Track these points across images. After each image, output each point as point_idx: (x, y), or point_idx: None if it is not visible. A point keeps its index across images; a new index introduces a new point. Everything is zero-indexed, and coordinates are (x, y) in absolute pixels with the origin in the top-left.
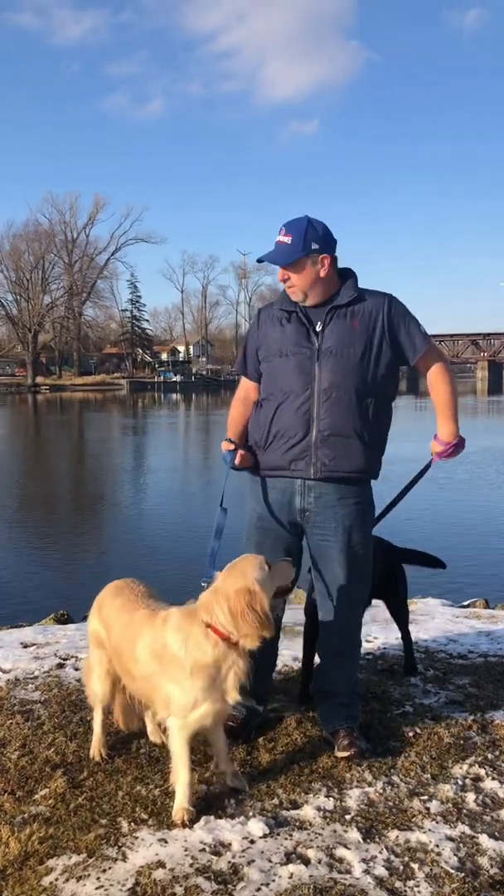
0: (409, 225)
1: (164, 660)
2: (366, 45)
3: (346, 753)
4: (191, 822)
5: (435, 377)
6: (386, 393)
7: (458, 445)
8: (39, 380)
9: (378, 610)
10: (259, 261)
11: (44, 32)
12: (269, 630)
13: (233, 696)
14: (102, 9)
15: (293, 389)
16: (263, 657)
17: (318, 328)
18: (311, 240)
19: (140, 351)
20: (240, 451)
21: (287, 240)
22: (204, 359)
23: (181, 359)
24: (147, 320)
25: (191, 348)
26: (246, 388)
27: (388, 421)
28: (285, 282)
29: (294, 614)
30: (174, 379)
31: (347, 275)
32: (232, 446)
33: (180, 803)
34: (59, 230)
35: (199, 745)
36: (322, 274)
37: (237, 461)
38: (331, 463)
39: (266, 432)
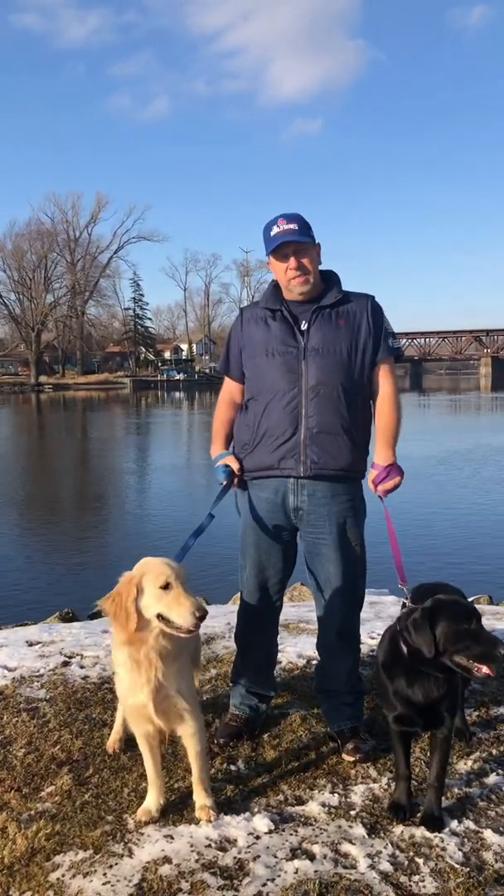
0: (413, 222)
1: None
2: (370, 44)
3: (352, 758)
4: (144, 824)
5: (387, 396)
6: (371, 391)
7: (390, 469)
8: (43, 379)
9: (381, 606)
10: (276, 248)
11: (49, 34)
12: (121, 624)
13: (146, 694)
14: (106, 9)
15: (280, 388)
16: (261, 654)
17: (303, 327)
18: (310, 228)
19: (143, 349)
20: (236, 473)
21: (293, 227)
22: (207, 357)
23: (184, 357)
24: (150, 319)
25: (194, 346)
26: (230, 390)
27: (372, 418)
28: (298, 269)
29: (298, 611)
30: (177, 377)
31: (331, 277)
32: (234, 463)
33: (144, 803)
34: (62, 229)
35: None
36: (319, 263)
37: (234, 483)
38: (320, 460)
39: (254, 432)
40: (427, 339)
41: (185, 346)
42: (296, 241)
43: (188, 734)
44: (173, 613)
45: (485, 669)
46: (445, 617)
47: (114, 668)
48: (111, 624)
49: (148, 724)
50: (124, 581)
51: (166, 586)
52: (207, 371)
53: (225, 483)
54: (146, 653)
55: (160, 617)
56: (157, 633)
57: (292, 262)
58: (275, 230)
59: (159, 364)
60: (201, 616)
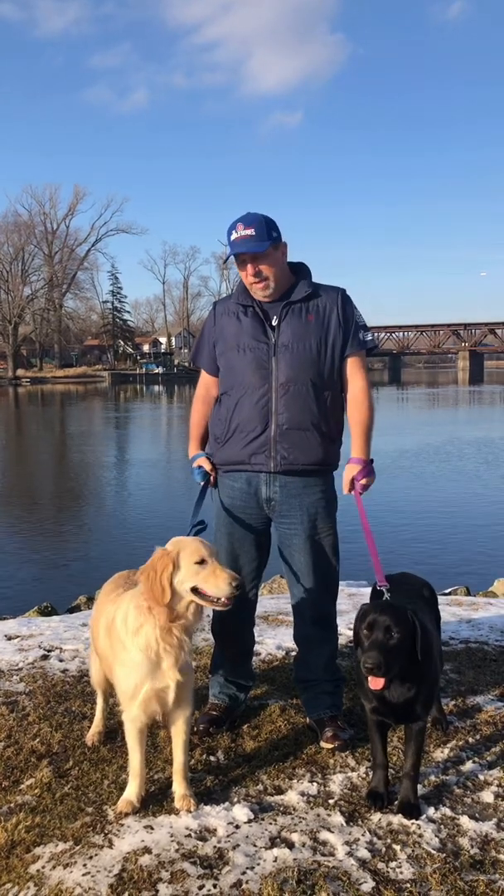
0: (391, 216)
1: (112, 635)
2: (350, 37)
3: (330, 745)
4: (125, 815)
5: (359, 392)
6: (342, 385)
7: (370, 466)
8: (20, 372)
9: (361, 598)
10: (227, 259)
11: (26, 23)
12: (156, 598)
13: (171, 676)
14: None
15: (251, 384)
16: (238, 644)
17: (273, 322)
18: (271, 229)
19: (122, 343)
20: (212, 474)
21: (250, 232)
22: (186, 350)
23: (163, 350)
24: (129, 312)
25: (172, 340)
26: (206, 384)
27: (343, 412)
28: (255, 276)
29: (277, 602)
30: (156, 370)
31: (301, 270)
32: (206, 465)
33: (125, 794)
34: (39, 221)
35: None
36: (284, 262)
37: (211, 482)
38: (290, 456)
39: (226, 426)
40: (405, 333)
41: (163, 340)
42: (250, 253)
43: (184, 718)
44: (209, 586)
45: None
46: (357, 619)
47: (107, 658)
48: (143, 603)
49: (155, 710)
50: (158, 556)
51: (202, 562)
52: (187, 364)
53: (202, 484)
54: (179, 633)
55: (195, 591)
56: (194, 610)
57: (250, 269)
58: (233, 235)
59: (138, 357)
60: (237, 586)
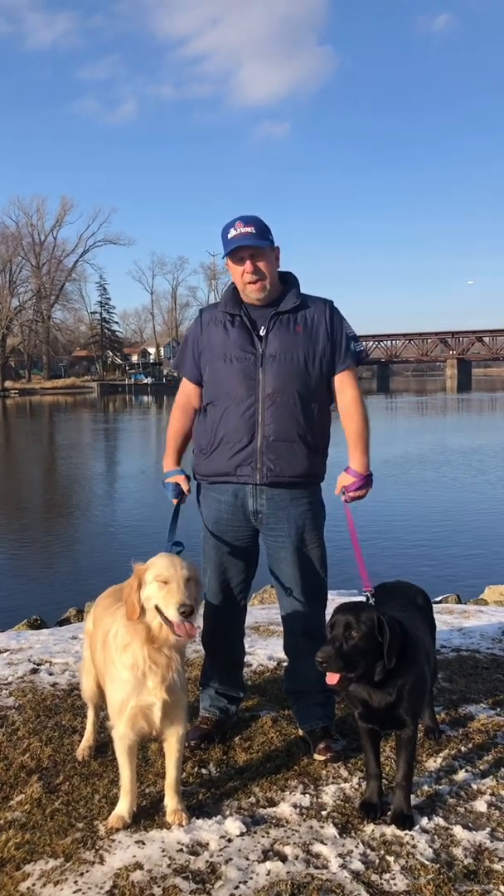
0: (378, 227)
1: (106, 650)
2: (338, 49)
3: (322, 758)
4: (116, 830)
5: (351, 403)
6: (329, 397)
7: (368, 479)
8: (8, 384)
9: None
10: (230, 251)
11: (14, 37)
12: (128, 613)
13: (157, 694)
14: (74, 12)
15: (238, 395)
16: (228, 656)
17: (261, 332)
18: (268, 231)
19: (110, 353)
20: (185, 487)
21: (250, 230)
22: (174, 360)
23: (152, 361)
24: (117, 322)
25: (161, 350)
26: (187, 393)
27: (330, 424)
28: (254, 273)
29: (269, 613)
30: (145, 381)
31: (290, 279)
32: (184, 484)
33: (116, 809)
34: (27, 232)
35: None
36: (277, 266)
37: (186, 493)
38: (276, 468)
39: (212, 437)
40: (393, 342)
41: (152, 350)
42: (252, 246)
43: (176, 737)
44: (164, 608)
45: None
46: None
47: (103, 672)
48: (123, 624)
49: (143, 727)
50: (134, 572)
51: (166, 581)
52: (175, 374)
53: (176, 501)
54: (169, 651)
55: (158, 610)
56: (168, 629)
57: (248, 265)
58: (232, 233)
59: (127, 368)
60: (184, 612)
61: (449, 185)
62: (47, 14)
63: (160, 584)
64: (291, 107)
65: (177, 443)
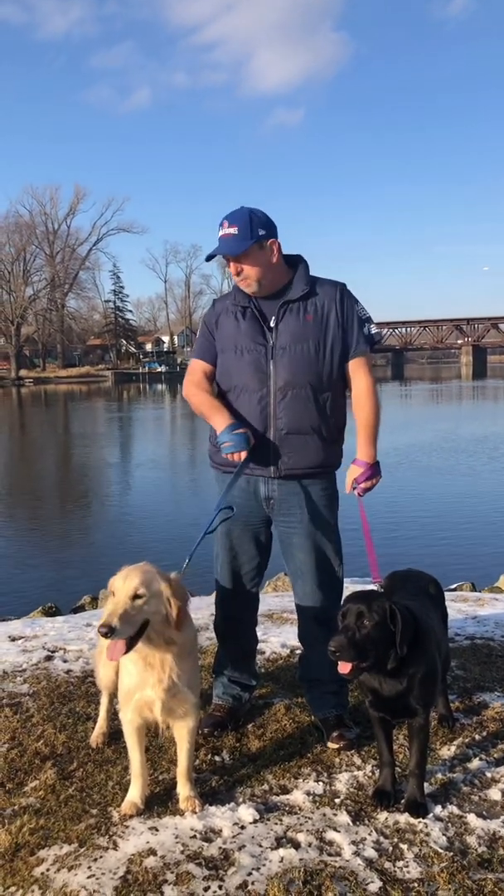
0: (394, 213)
1: None
2: (353, 36)
3: (336, 746)
4: (129, 817)
5: (364, 391)
6: (343, 385)
7: (376, 467)
8: (23, 373)
9: None
10: (208, 258)
11: (28, 26)
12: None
13: (157, 693)
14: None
15: (249, 387)
16: (241, 644)
17: (271, 324)
18: (257, 226)
19: (124, 342)
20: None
21: (233, 231)
22: (188, 348)
23: (166, 349)
24: (130, 311)
25: (175, 338)
26: (202, 369)
27: (345, 412)
28: (238, 275)
29: (282, 601)
30: (159, 369)
31: (298, 263)
32: (243, 430)
33: (128, 796)
34: (40, 221)
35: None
36: (273, 260)
37: (252, 442)
38: (290, 461)
39: None
40: (408, 329)
41: (166, 338)
42: (223, 254)
43: (187, 730)
44: None
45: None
46: None
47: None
48: None
49: (148, 717)
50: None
51: (113, 594)
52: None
53: (244, 454)
54: (160, 655)
55: None
56: (162, 636)
57: (232, 267)
58: (219, 233)
59: (141, 356)
60: (102, 633)
61: (464, 172)
62: (61, 2)
63: (110, 595)
64: (305, 94)
65: (217, 402)
